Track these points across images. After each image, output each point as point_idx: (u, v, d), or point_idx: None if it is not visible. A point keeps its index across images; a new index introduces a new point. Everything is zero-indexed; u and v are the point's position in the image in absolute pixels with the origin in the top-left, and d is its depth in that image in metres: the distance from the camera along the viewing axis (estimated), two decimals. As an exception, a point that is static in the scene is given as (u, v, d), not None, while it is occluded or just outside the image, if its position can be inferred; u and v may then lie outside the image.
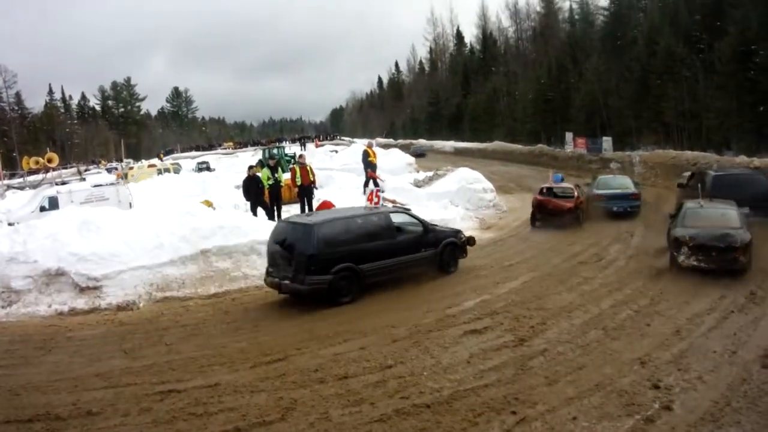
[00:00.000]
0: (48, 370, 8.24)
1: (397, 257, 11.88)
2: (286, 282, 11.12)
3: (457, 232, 13.48)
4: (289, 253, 11.24)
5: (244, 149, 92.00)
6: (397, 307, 10.21)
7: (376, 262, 11.50)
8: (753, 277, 10.67)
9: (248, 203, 19.21)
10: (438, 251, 12.61)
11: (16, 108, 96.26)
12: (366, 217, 12.34)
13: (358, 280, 11.31)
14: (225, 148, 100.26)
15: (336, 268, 10.97)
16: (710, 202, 13.62)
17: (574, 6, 68.93)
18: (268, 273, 11.79)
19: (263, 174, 18.89)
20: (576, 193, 18.43)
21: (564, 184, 19.48)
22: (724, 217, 12.71)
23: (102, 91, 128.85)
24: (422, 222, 12.99)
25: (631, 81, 47.65)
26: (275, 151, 46.74)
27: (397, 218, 12.67)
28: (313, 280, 10.78)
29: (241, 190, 20.12)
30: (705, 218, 12.69)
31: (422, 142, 78.89)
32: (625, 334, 8.23)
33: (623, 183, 19.99)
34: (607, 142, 39.21)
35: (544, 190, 18.66)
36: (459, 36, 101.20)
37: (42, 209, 19.50)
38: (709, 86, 40.79)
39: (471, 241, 13.43)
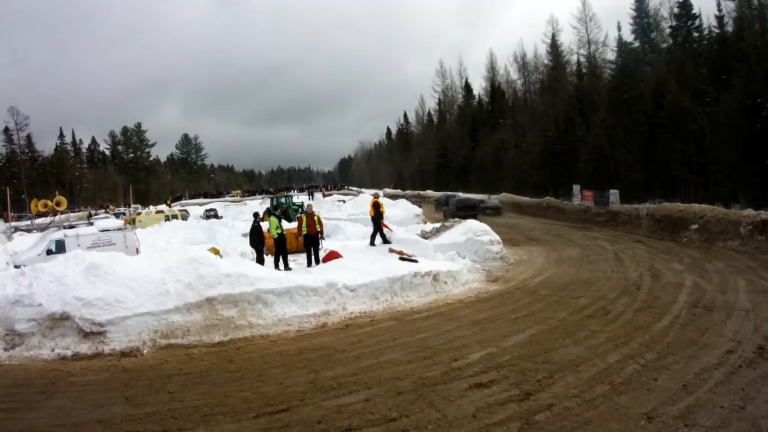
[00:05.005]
0: (49, 414, 8.16)
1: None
2: (473, 212, 41.51)
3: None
4: (472, 205, 45.50)
5: (252, 197, 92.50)
6: (402, 359, 10.11)
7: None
8: (761, 329, 10.55)
9: (255, 251, 19.26)
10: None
11: (27, 150, 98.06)
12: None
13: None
14: (233, 196, 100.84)
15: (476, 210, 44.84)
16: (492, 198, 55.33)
17: (582, 59, 69.99)
18: (459, 213, 39.29)
19: (272, 222, 18.95)
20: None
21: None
22: (492, 199, 53.69)
23: (112, 135, 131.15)
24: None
25: (639, 134, 48.11)
26: (282, 200, 47.02)
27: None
28: (477, 210, 44.43)
29: (248, 239, 20.17)
30: (489, 201, 51.65)
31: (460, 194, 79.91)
32: (631, 388, 8.11)
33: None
34: (614, 195, 39.24)
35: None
36: (467, 88, 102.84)
37: (49, 252, 19.60)
38: (716, 139, 41.13)
39: None
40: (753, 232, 21.89)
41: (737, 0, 47.63)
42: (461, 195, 55.92)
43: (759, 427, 6.69)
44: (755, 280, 15.50)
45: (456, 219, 28.65)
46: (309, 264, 18.96)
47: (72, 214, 60.12)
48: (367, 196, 52.49)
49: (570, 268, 19.62)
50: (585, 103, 58.97)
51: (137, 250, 20.92)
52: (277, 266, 18.22)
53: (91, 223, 25.34)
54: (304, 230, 19.25)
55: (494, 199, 54.34)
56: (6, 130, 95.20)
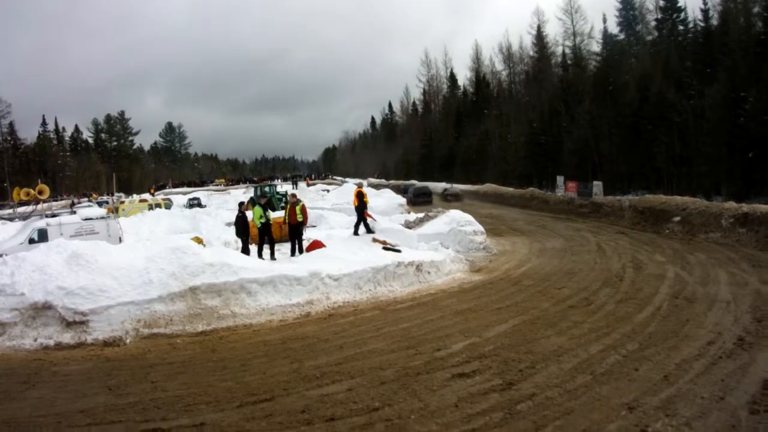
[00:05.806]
0: (31, 405, 8.12)
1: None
2: (428, 199, 50.35)
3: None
4: (427, 193, 53.03)
5: (236, 186, 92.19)
6: (385, 349, 10.14)
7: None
8: (741, 321, 10.65)
9: (239, 241, 19.19)
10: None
11: (9, 138, 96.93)
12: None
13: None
14: (217, 185, 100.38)
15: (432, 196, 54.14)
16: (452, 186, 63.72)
17: (567, 51, 70.06)
18: (416, 199, 49.20)
19: (255, 212, 18.86)
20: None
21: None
22: (454, 187, 63.09)
23: (95, 124, 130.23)
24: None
25: (623, 126, 48.35)
26: (267, 189, 46.83)
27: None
28: (430, 197, 51.63)
29: (232, 228, 20.09)
30: (451, 189, 60.81)
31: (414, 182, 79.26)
32: (613, 379, 8.18)
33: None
34: (597, 186, 39.27)
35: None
36: (452, 78, 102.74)
37: (31, 241, 19.44)
38: (700, 132, 41.39)
39: None
40: (734, 225, 22.04)
41: (722, -6, 47.96)
42: (418, 183, 66.19)
43: (738, 418, 6.76)
44: (736, 273, 15.61)
45: (440, 209, 28.74)
46: (293, 253, 18.93)
47: (55, 203, 59.71)
48: (351, 185, 52.46)
49: (553, 258, 19.69)
50: (570, 94, 59.11)
51: (120, 239, 20.78)
52: (260, 255, 18.15)
53: (74, 212, 25.10)
54: (287, 218, 19.32)
55: (456, 188, 62.78)
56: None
